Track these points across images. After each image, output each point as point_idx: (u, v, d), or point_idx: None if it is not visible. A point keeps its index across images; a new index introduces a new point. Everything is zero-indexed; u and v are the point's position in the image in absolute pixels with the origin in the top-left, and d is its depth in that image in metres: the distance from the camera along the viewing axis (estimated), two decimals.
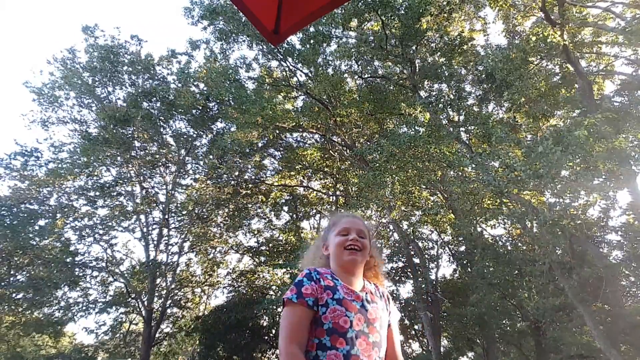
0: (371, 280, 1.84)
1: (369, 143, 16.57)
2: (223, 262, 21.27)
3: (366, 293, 1.70)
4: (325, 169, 20.25)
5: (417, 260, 17.20)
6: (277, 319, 18.07)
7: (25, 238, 15.79)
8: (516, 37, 15.52)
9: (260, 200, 20.44)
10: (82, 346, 19.35)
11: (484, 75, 13.34)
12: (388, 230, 18.85)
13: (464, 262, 17.86)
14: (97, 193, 17.48)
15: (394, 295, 18.04)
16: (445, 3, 13.36)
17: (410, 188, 14.01)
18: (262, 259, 20.96)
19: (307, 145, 19.65)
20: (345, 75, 16.42)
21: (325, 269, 1.74)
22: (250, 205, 20.49)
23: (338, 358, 1.52)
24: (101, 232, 17.82)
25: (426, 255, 18.09)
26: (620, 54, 14.79)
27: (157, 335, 18.43)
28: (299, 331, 1.53)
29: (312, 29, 13.82)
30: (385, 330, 1.68)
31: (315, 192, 21.30)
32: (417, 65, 15.17)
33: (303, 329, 1.54)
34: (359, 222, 1.84)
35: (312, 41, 14.13)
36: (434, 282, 17.41)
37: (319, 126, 17.32)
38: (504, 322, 15.85)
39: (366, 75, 16.65)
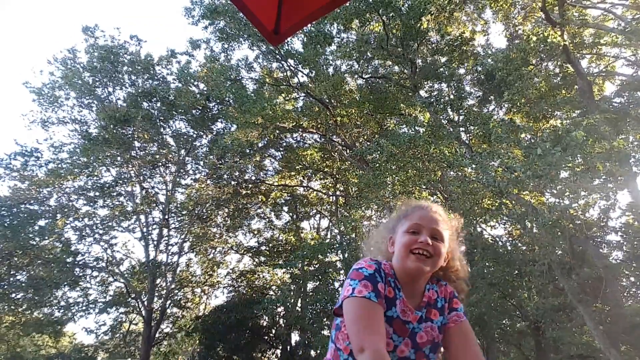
0: (449, 284, 1.54)
1: (369, 143, 16.58)
2: (223, 262, 21.29)
3: (425, 308, 1.43)
4: (325, 169, 20.26)
5: None
6: (277, 318, 18.07)
7: (25, 238, 15.81)
8: (516, 38, 15.53)
9: (260, 200, 20.45)
10: (82, 346, 19.37)
11: (483, 76, 13.36)
12: None
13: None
14: (97, 193, 17.49)
15: None
16: (446, 2, 13.36)
17: (410, 188, 14.00)
18: (262, 259, 20.98)
19: (307, 145, 19.66)
20: (346, 75, 16.44)
21: (389, 266, 1.44)
22: (250, 206, 20.50)
23: None
24: (101, 232, 17.83)
25: None
26: (621, 55, 14.81)
27: (157, 335, 18.44)
28: (381, 328, 1.26)
29: (313, 30, 13.82)
30: (437, 350, 1.42)
31: (315, 192, 21.31)
32: (417, 65, 15.18)
33: (384, 328, 1.28)
34: (436, 217, 1.48)
35: (313, 42, 14.12)
36: None
37: (319, 126, 17.33)
38: (503, 322, 15.83)
39: (367, 75, 16.66)
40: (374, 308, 1.28)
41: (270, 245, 21.06)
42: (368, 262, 1.40)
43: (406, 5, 13.20)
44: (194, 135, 19.35)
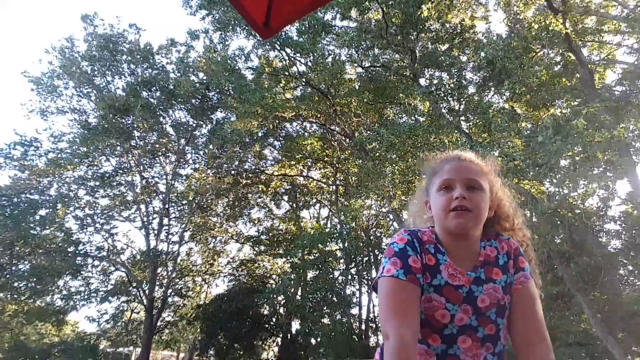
0: (505, 234, 1.39)
1: (368, 132, 16.54)
2: (223, 251, 21.40)
3: (481, 267, 1.27)
4: (325, 159, 20.24)
5: None
6: (277, 307, 18.21)
7: (26, 228, 15.88)
8: (518, 25, 15.37)
9: (260, 189, 20.48)
10: (85, 334, 19.56)
11: (484, 63, 13.24)
12: (388, 219, 18.91)
13: None
14: (97, 183, 17.51)
15: None
16: None
17: (410, 177, 14.01)
18: (262, 248, 21.07)
19: (307, 134, 19.62)
20: (345, 64, 16.32)
21: (430, 232, 1.33)
22: (250, 195, 20.53)
23: (430, 356, 1.21)
24: (102, 221, 17.90)
25: None
26: (623, 43, 14.68)
27: (158, 323, 18.61)
28: (410, 311, 1.15)
29: (310, 20, 13.68)
30: (504, 314, 1.26)
31: (315, 181, 21.32)
32: (417, 53, 15.06)
33: (416, 310, 1.17)
34: (467, 165, 1.34)
35: (310, 31, 14.00)
36: None
37: (318, 115, 17.27)
38: None
39: (366, 64, 16.55)
40: (403, 287, 1.18)
41: (271, 234, 21.14)
42: (400, 235, 1.31)
43: None
44: (194, 125, 19.30)
